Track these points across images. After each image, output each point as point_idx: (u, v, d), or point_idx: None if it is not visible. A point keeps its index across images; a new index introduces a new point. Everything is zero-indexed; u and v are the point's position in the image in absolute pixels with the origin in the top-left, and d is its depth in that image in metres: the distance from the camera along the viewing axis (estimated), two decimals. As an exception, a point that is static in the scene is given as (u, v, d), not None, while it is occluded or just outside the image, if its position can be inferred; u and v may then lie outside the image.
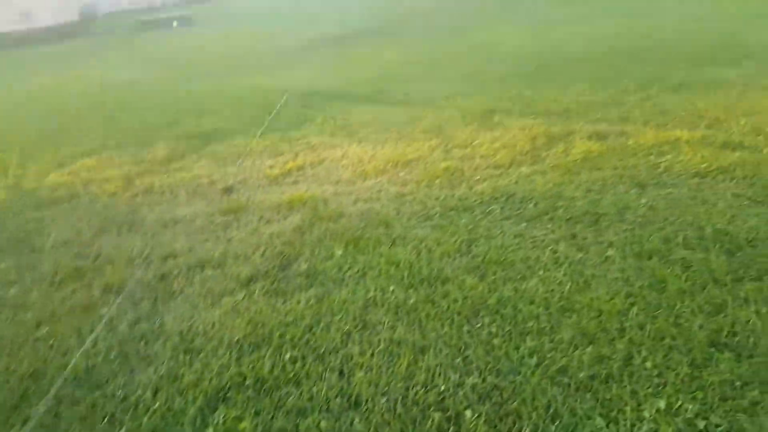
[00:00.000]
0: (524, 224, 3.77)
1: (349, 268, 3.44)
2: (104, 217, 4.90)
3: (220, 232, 4.26)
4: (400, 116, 7.29)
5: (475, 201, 4.24)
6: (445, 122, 6.70)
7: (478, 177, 4.77)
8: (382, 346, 2.68)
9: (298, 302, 3.13)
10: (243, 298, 3.25)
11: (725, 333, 2.46)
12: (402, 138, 6.26)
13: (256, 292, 3.30)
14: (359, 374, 2.49)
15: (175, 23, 35.94)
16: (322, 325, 2.90)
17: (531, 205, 4.04)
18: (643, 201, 3.85)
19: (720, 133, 4.95)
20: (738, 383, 2.19)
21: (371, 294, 3.12)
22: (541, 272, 3.14)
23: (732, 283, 2.80)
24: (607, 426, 2.09)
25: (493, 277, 3.15)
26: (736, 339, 2.42)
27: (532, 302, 2.87)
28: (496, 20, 17.91)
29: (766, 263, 2.91)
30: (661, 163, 4.49)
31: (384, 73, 10.89)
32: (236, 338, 2.87)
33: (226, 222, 4.43)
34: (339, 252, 3.66)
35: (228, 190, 5.18)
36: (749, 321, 2.50)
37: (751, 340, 2.40)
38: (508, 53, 11.39)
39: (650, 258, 3.14)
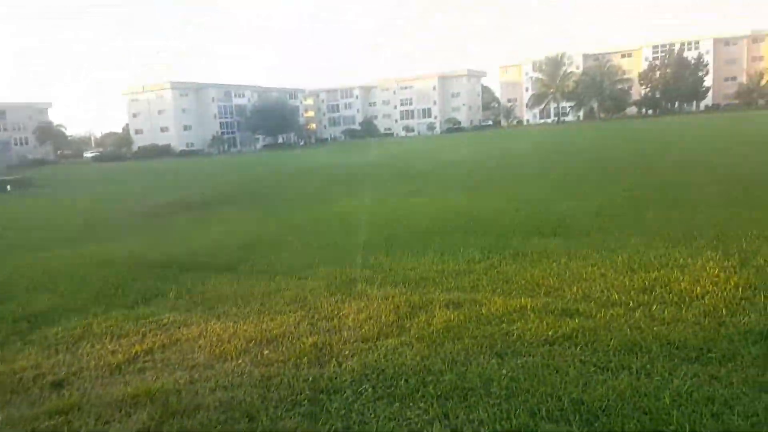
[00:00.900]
0: (397, 404, 3.67)
1: (208, 478, 2.99)
2: None
3: (43, 441, 3.53)
4: (263, 287, 7.12)
5: (345, 380, 4.08)
6: (309, 292, 6.65)
7: (347, 352, 4.66)
8: None
9: None
10: None
11: None
12: (265, 311, 6.05)
13: None
14: None
15: (8, 186, 33.26)
16: None
17: (402, 382, 3.98)
18: (504, 372, 4.00)
19: (558, 300, 5.51)
20: None
21: None
22: (419, 461, 2.99)
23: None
24: None
25: (371, 473, 2.92)
26: None
27: (414, 500, 2.67)
28: (349, 191, 19.27)
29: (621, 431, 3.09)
30: (513, 330, 4.80)
31: (243, 242, 10.82)
32: None
33: (53, 427, 3.71)
34: (195, 456, 3.19)
35: (58, 385, 4.43)
36: (621, 498, 2.56)
37: None
38: (363, 223, 12.08)
39: (521, 434, 3.18)
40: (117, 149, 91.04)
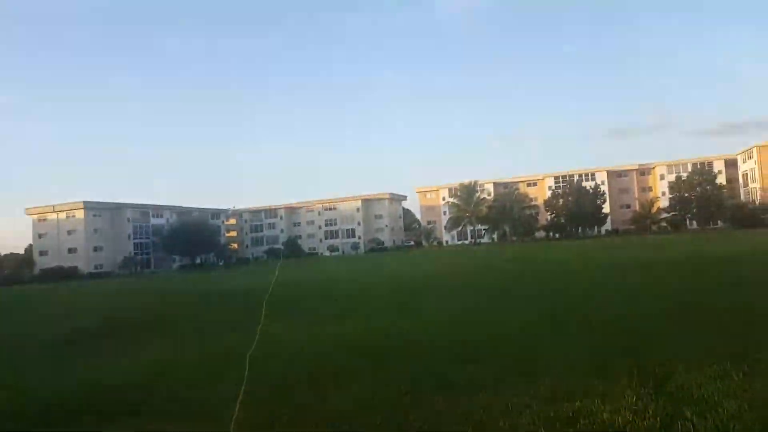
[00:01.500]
0: None
1: None
2: None
3: None
4: (169, 433, 6.42)
5: None
6: (221, 439, 6.06)
7: None
8: None
9: None
10: None
11: None
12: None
13: None
14: None
15: None
16: None
17: None
18: None
19: (487, 440, 5.33)
20: None
21: None
22: None
23: None
24: None
25: None
26: None
27: None
28: (269, 316, 18.50)
29: None
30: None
31: (149, 377, 9.90)
32: None
33: None
34: None
35: None
36: None
37: None
38: (285, 354, 11.48)
39: None
40: (16, 271, 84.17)
